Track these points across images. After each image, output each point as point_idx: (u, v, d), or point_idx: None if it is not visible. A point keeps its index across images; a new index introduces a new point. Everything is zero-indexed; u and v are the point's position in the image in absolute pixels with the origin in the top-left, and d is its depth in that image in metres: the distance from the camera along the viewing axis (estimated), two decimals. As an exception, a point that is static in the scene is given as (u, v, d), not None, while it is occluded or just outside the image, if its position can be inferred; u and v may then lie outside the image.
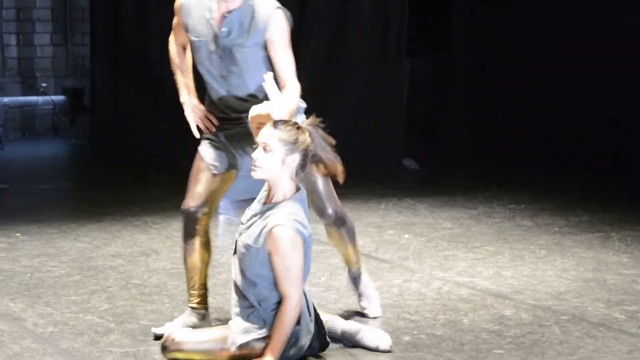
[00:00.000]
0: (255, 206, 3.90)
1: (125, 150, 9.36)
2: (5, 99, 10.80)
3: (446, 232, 6.36)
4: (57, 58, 11.16)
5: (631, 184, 7.98)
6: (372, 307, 4.49)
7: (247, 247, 3.81)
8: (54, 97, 11.06)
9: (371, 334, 4.05)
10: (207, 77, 4.21)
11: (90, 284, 5.06)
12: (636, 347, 4.07)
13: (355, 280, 4.52)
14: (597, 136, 8.62)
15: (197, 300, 4.20)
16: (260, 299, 3.79)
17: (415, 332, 4.23)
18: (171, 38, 4.44)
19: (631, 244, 5.96)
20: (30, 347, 4.04)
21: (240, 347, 3.78)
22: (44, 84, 11.03)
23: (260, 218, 3.82)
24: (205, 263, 4.22)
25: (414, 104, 10.02)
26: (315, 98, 7.65)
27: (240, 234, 3.88)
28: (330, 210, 4.32)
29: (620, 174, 8.26)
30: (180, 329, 3.97)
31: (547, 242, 6.04)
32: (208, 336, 3.87)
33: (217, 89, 4.19)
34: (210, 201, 4.20)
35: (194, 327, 4.10)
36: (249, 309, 3.81)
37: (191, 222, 4.17)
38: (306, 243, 3.82)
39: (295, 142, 3.80)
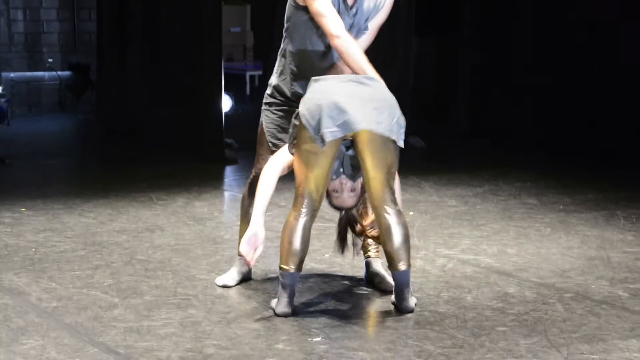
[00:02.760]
0: None
1: (131, 126, 9.35)
2: (12, 74, 10.80)
3: (451, 210, 6.35)
4: (63, 33, 11.15)
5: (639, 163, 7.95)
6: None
7: None
8: (60, 73, 11.05)
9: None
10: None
11: (94, 259, 5.07)
12: (639, 324, 4.07)
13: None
14: (606, 115, 8.56)
15: None
16: None
17: (418, 309, 4.24)
18: None
19: (636, 222, 5.94)
20: (34, 322, 4.05)
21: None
22: (50, 59, 11.03)
23: None
24: None
25: (421, 83, 9.98)
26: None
27: None
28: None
29: (627, 153, 8.21)
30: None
31: (552, 220, 6.03)
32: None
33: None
34: None
35: (246, 274, 4.60)
36: None
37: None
38: None
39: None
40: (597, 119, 8.58)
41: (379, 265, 4.56)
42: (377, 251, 4.56)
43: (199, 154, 8.16)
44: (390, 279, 4.39)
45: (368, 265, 4.60)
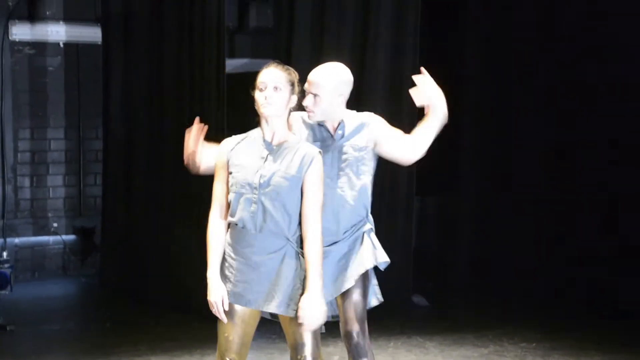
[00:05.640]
0: (258, 148, 4.05)
1: (135, 288, 9.34)
2: (17, 240, 10.86)
3: (456, 371, 6.27)
4: (69, 198, 11.28)
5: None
6: None
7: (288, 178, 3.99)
8: (64, 237, 11.12)
9: None
10: None
11: None
12: None
13: None
14: (616, 271, 8.47)
15: None
16: (293, 233, 4.04)
17: None
18: None
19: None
20: None
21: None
22: (55, 224, 11.12)
23: (287, 151, 4.01)
24: None
25: (423, 242, 10.02)
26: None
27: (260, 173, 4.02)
28: (355, 330, 4.24)
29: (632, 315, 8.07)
30: None
31: (559, 382, 5.93)
32: None
33: None
34: None
35: None
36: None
37: None
38: None
39: (295, 84, 4.12)
40: (600, 277, 8.54)
41: None
42: None
43: (206, 314, 8.10)
44: None
45: None
